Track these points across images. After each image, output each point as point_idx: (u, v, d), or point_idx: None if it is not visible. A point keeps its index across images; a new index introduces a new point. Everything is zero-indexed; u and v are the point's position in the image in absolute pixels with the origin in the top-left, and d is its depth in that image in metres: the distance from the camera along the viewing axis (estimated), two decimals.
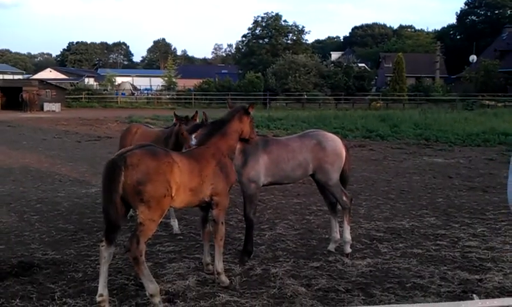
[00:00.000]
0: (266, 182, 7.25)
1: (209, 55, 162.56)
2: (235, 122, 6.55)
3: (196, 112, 8.22)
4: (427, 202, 11.15)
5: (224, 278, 6.32)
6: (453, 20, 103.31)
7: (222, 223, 6.27)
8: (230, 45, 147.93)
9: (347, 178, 7.96)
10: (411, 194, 11.99)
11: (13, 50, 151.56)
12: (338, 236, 7.82)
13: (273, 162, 7.14)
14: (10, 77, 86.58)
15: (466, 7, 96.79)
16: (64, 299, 5.83)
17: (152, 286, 5.43)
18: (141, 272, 5.40)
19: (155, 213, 5.41)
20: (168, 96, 62.49)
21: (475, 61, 70.37)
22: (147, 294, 5.49)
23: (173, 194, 5.51)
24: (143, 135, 8.98)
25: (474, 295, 3.44)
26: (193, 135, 6.94)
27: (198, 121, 7.93)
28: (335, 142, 7.59)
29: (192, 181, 5.77)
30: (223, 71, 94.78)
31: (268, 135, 8.63)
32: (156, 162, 5.39)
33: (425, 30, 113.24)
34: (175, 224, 8.76)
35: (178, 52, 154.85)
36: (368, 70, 71.62)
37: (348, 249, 7.52)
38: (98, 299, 5.43)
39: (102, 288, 5.44)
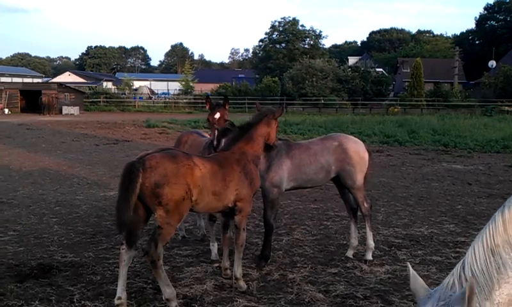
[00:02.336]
0: (289, 187, 7.23)
1: (226, 60, 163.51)
2: (263, 126, 6.51)
3: (226, 98, 7.88)
4: (446, 209, 11.04)
5: (242, 283, 6.31)
6: (472, 25, 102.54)
7: (244, 229, 6.27)
8: (246, 50, 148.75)
9: (366, 182, 7.91)
10: (430, 201, 11.88)
11: (33, 54, 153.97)
12: (356, 242, 7.77)
13: (296, 167, 7.12)
14: (30, 80, 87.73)
15: (486, 12, 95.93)
16: (82, 302, 5.86)
17: (168, 291, 5.45)
18: (159, 275, 5.42)
19: (174, 217, 5.42)
20: (185, 101, 62.83)
21: (494, 66, 69.67)
22: (163, 298, 5.51)
23: (194, 198, 5.51)
24: (192, 146, 8.30)
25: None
26: (223, 140, 6.84)
27: (227, 108, 7.69)
28: (357, 144, 7.56)
29: (215, 185, 5.75)
30: (239, 75, 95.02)
31: (289, 139, 8.57)
32: (175, 164, 5.39)
33: (444, 35, 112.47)
34: (213, 248, 7.77)
35: (196, 57, 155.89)
36: (386, 75, 71.36)
37: (370, 256, 7.47)
38: (116, 301, 5.45)
39: (121, 291, 5.47)
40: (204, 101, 48.50)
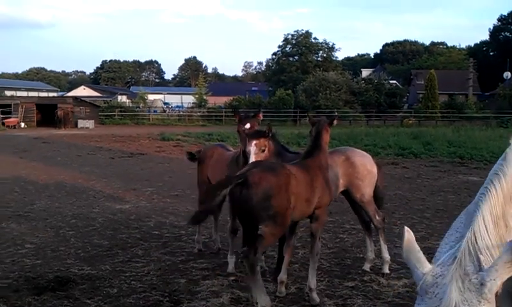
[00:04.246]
0: None
1: (239, 73, 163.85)
2: (325, 134, 6.62)
3: (259, 109, 7.95)
4: None
5: (315, 295, 6.27)
6: (486, 36, 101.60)
7: (319, 238, 6.39)
8: (260, 63, 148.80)
9: (382, 196, 7.86)
10: (447, 213, 11.75)
11: (48, 68, 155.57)
12: (373, 255, 7.71)
13: None
14: (45, 94, 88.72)
15: (499, 23, 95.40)
16: None
17: (264, 298, 5.51)
18: (255, 281, 5.50)
19: (279, 227, 5.61)
20: (198, 114, 63.04)
21: (509, 77, 69.19)
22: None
23: (292, 205, 5.65)
24: (219, 160, 8.12)
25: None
26: (254, 142, 6.57)
27: (261, 117, 7.66)
28: (365, 158, 7.55)
29: (307, 192, 5.90)
30: (253, 88, 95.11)
31: (300, 151, 8.52)
32: (276, 176, 5.56)
33: (458, 46, 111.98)
34: (231, 261, 7.66)
35: (209, 70, 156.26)
36: (400, 87, 71.08)
37: (386, 269, 7.41)
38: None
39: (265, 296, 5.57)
40: (218, 114, 48.58)
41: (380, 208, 7.77)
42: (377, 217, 7.46)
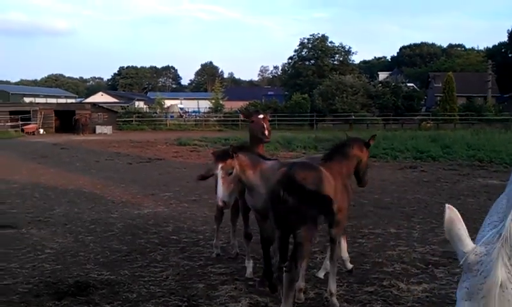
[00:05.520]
0: None
1: (255, 78, 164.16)
2: (356, 149, 6.60)
3: (270, 109, 8.07)
4: None
5: (335, 301, 6.21)
6: (504, 37, 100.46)
7: (339, 243, 6.38)
8: (276, 67, 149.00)
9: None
10: (467, 217, 11.57)
11: (67, 75, 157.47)
12: (347, 255, 7.69)
13: None
14: (63, 100, 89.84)
15: None
16: None
17: None
18: (288, 297, 5.37)
19: (314, 230, 5.66)
20: (215, 119, 63.27)
21: None
22: None
23: None
24: None
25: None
26: (220, 164, 6.08)
27: (268, 117, 7.74)
28: None
29: (332, 192, 5.84)
30: (269, 93, 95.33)
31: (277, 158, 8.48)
32: (317, 171, 5.61)
33: (476, 48, 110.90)
34: (249, 266, 7.67)
35: (225, 75, 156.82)
36: (418, 89, 70.60)
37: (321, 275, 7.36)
38: None
39: None
40: (234, 119, 48.45)
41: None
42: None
